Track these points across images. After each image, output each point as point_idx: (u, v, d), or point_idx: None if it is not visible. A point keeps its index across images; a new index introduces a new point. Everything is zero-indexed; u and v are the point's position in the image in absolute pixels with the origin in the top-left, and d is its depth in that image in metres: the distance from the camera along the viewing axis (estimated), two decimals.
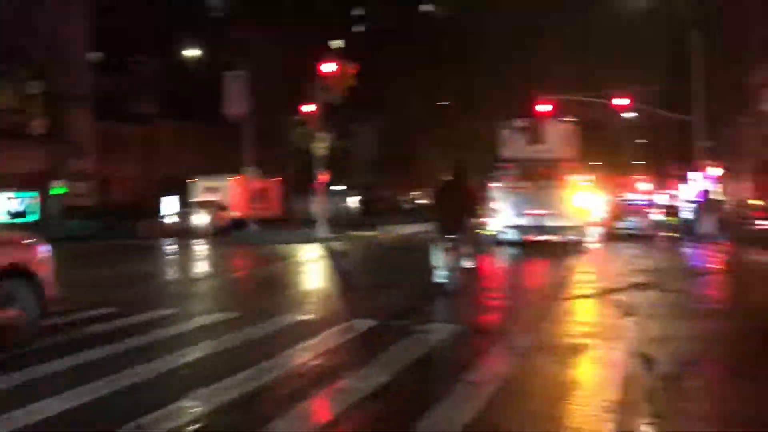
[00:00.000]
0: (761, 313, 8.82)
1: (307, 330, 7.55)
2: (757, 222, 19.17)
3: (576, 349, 6.66)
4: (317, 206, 26.83)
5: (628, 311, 8.77)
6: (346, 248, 20.09)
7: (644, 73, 42.77)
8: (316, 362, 6.19)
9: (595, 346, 6.83)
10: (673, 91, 41.23)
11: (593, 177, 22.22)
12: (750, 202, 23.14)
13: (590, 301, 10.02)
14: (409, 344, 6.90)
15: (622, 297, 10.06)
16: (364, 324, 7.94)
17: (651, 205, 30.09)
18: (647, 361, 6.09)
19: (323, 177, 25.89)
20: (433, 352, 6.75)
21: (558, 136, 20.99)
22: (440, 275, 10.06)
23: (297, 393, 5.24)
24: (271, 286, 12.35)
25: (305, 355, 6.44)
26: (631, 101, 29.87)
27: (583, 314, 9.16)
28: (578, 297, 10.33)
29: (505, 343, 6.99)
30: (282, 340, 7.03)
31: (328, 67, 23.47)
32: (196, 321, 8.27)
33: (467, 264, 10.48)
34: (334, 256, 17.67)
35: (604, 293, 10.41)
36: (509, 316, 8.73)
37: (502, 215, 19.70)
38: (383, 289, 10.97)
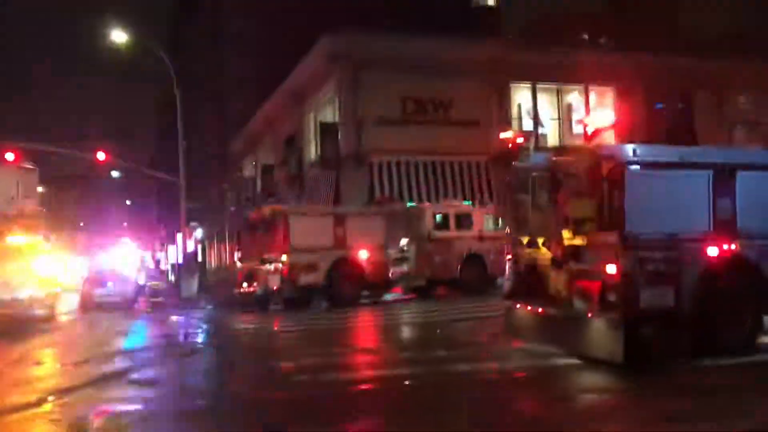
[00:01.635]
0: (253, 406, 7.20)
1: None
2: (242, 286, 18.63)
3: None
4: None
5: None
6: None
7: (140, 131, 41.49)
8: None
9: None
10: (165, 151, 40.58)
11: (64, 237, 18.95)
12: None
13: (25, 417, 6.79)
14: None
15: (79, 401, 7.38)
16: None
17: (136, 268, 28.00)
18: None
19: None
20: None
21: (10, 185, 17.14)
22: None
23: None
24: None
25: None
26: (108, 156, 27.46)
27: None
28: (8, 411, 6.98)
29: None
30: None
31: None
32: None
33: None
34: None
35: (53, 396, 7.51)
36: None
37: None
38: None
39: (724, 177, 8.08)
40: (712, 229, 7.99)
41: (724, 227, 8.02)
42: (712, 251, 7.93)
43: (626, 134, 17.12)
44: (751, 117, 13.87)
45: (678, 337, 7.97)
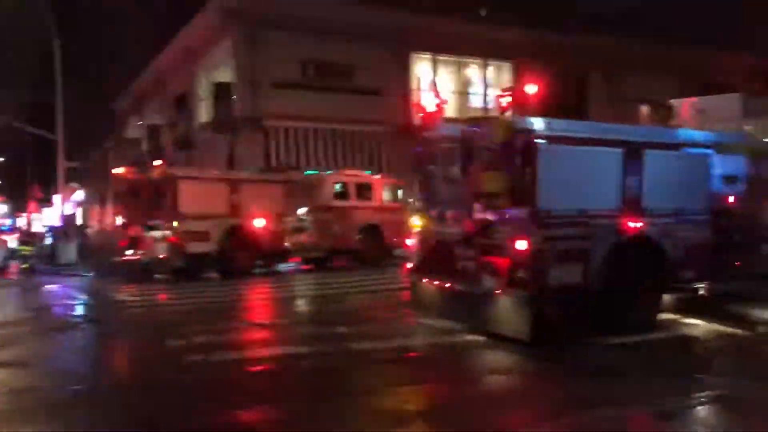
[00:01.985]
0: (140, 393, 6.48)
1: None
2: (124, 252, 17.33)
3: None
4: None
5: None
6: None
7: (10, 80, 38.01)
8: None
9: None
10: (41, 105, 37.61)
11: None
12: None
13: None
14: None
15: None
16: None
17: (7, 230, 25.79)
18: None
19: None
20: None
21: None
22: None
23: None
24: None
25: None
26: None
27: None
28: None
29: None
30: None
31: None
32: None
33: None
34: None
35: None
36: None
37: None
38: None
39: (633, 155, 8.04)
40: (620, 206, 7.95)
41: (632, 205, 8.01)
42: (619, 229, 7.89)
43: (526, 109, 17.29)
44: (648, 96, 14.32)
45: (585, 315, 7.93)
